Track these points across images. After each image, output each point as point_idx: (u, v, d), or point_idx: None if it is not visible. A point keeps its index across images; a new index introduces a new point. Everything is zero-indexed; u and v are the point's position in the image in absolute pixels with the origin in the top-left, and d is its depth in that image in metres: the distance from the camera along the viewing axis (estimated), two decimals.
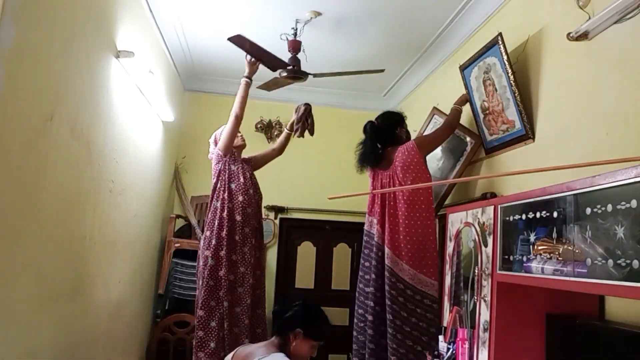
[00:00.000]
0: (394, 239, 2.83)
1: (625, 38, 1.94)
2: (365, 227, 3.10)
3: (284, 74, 3.57)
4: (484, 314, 1.98)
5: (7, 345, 1.77)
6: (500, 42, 2.59)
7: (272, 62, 3.48)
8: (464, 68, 3.00)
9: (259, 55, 3.37)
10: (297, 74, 3.57)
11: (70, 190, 2.24)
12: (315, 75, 3.62)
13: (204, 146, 5.02)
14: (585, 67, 2.19)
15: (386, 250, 2.84)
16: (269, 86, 3.90)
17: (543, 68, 2.50)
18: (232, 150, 3.38)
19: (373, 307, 2.85)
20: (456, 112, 3.04)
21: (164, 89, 4.01)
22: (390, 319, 2.73)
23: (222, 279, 3.10)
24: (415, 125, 4.45)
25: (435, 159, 3.46)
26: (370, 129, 3.12)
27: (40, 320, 2.03)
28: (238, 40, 3.24)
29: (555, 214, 1.60)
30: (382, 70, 3.60)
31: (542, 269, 1.64)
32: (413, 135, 3.44)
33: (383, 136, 3.10)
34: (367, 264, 3.01)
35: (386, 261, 2.82)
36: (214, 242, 3.15)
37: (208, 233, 3.20)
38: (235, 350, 2.28)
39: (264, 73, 3.72)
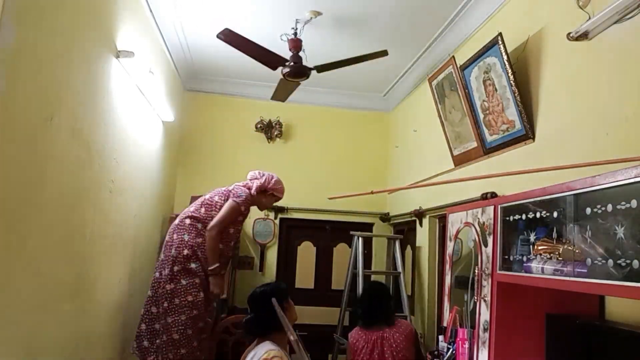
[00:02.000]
0: None
1: (625, 38, 1.95)
2: None
3: (286, 70, 3.54)
4: (484, 314, 1.98)
5: (7, 345, 1.77)
6: (500, 42, 2.59)
7: (269, 58, 3.45)
8: (464, 68, 3.00)
9: (251, 52, 3.35)
10: (299, 69, 3.54)
11: (70, 190, 2.24)
12: (318, 70, 3.57)
13: (204, 146, 5.04)
14: (585, 67, 2.19)
15: None
16: (280, 95, 3.86)
17: (543, 68, 2.50)
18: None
19: None
20: None
21: (164, 89, 4.01)
22: None
23: None
24: (415, 125, 4.46)
25: None
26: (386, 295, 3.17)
27: (40, 320, 2.03)
28: (227, 36, 3.21)
29: (555, 214, 1.60)
30: (386, 53, 3.45)
31: (542, 269, 1.64)
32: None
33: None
34: None
35: None
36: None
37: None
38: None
39: (266, 72, 3.72)
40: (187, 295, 3.08)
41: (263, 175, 3.45)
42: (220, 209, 3.24)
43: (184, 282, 3.11)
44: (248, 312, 2.29)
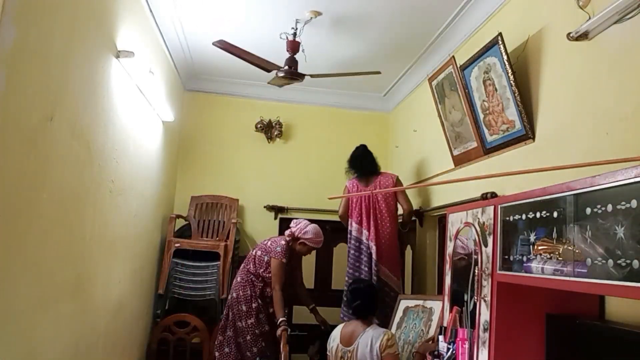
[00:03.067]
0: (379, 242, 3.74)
1: (625, 38, 1.95)
2: (355, 234, 3.87)
3: (281, 74, 3.59)
4: (484, 314, 1.98)
5: (7, 345, 1.77)
6: (500, 42, 2.59)
7: (264, 64, 3.51)
8: (464, 68, 3.00)
9: (247, 59, 3.45)
10: (292, 74, 3.59)
11: (70, 190, 2.24)
12: (312, 76, 3.63)
13: (204, 146, 5.05)
14: (585, 67, 2.19)
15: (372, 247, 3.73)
16: (276, 82, 3.93)
17: (543, 68, 2.50)
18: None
19: None
20: None
21: (164, 89, 4.01)
22: None
23: None
24: (415, 125, 4.46)
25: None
26: (365, 149, 3.98)
27: (40, 320, 2.03)
28: (223, 45, 3.31)
29: (555, 214, 1.60)
30: (379, 73, 3.66)
31: (542, 269, 1.64)
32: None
33: (371, 161, 3.92)
34: (357, 264, 3.84)
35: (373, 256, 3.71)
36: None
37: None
38: (342, 326, 2.95)
39: (266, 72, 3.73)
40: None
41: (297, 224, 3.76)
42: (264, 263, 3.69)
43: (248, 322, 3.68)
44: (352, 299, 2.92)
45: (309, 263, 5.15)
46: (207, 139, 5.07)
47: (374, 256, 3.70)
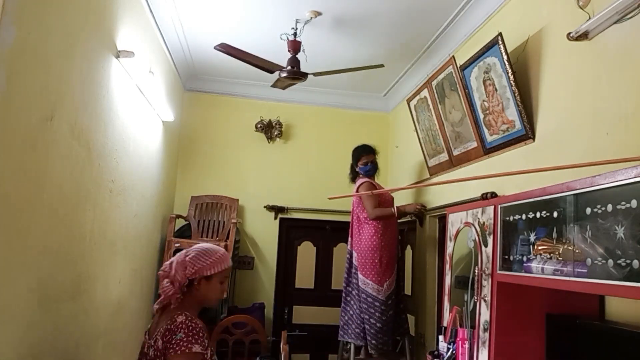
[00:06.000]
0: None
1: (625, 38, 1.95)
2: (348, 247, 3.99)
3: (283, 74, 3.59)
4: (484, 314, 1.98)
5: (7, 345, 1.77)
6: (500, 42, 2.59)
7: (266, 65, 3.51)
8: (464, 68, 3.00)
9: (250, 61, 3.46)
10: (295, 74, 3.58)
11: (70, 190, 2.24)
12: (315, 75, 3.63)
13: (204, 146, 5.05)
14: (585, 67, 2.19)
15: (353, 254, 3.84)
16: (280, 85, 3.94)
17: (543, 68, 2.50)
18: None
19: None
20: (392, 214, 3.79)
21: (164, 89, 4.01)
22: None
23: None
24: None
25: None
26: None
27: (40, 320, 2.03)
28: (225, 49, 3.32)
29: (555, 214, 1.60)
30: (382, 66, 3.62)
31: (542, 269, 1.64)
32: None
33: (352, 170, 4.08)
34: (346, 274, 3.97)
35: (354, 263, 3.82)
36: None
37: None
38: None
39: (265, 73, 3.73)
40: None
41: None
42: None
43: None
44: None
45: (309, 263, 5.17)
46: (207, 139, 5.07)
47: (354, 263, 3.80)
